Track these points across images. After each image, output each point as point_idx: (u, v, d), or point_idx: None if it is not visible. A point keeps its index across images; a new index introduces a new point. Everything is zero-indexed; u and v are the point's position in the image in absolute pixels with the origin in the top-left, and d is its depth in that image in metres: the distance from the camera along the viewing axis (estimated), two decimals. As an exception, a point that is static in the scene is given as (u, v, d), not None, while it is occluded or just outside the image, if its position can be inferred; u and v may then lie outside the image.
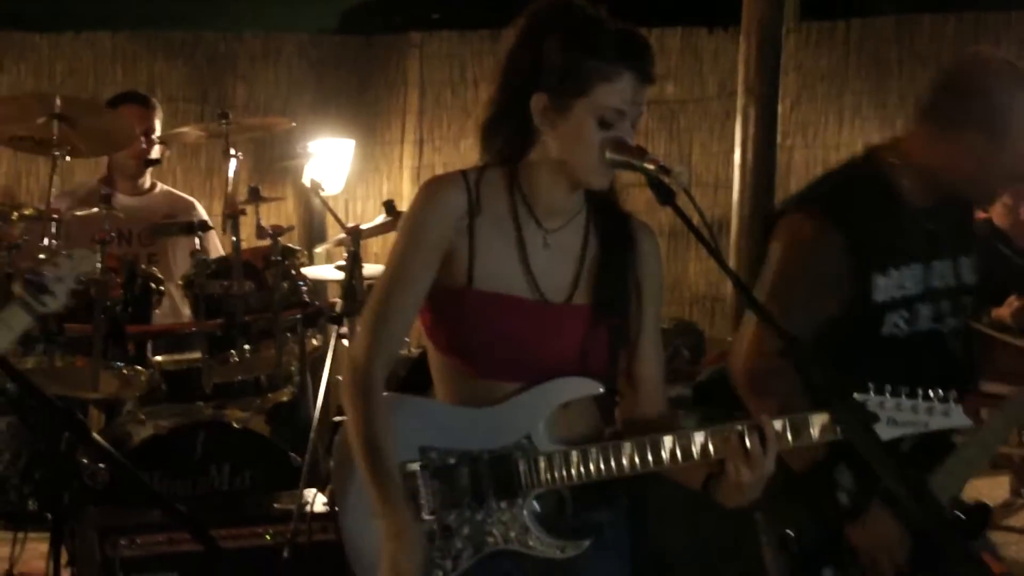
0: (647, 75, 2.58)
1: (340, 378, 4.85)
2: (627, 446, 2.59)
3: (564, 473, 2.62)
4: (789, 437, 2.53)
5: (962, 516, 3.12)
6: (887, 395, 2.53)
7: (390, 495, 2.62)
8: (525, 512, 2.64)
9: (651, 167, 2.49)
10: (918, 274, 3.16)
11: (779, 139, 6.74)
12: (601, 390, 2.67)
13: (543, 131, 2.61)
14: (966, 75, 3.14)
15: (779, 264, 3.10)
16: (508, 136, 2.65)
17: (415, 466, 2.66)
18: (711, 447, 2.56)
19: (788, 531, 3.14)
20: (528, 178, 2.67)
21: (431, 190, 2.70)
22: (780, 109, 6.68)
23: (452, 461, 2.66)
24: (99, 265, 4.53)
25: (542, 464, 2.63)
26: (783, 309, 2.96)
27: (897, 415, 2.54)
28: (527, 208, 2.68)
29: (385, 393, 2.73)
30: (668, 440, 2.58)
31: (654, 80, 2.60)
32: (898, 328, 3.14)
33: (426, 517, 2.65)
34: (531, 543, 2.65)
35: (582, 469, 2.61)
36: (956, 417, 2.58)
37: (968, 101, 3.08)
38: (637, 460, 2.59)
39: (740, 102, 6.57)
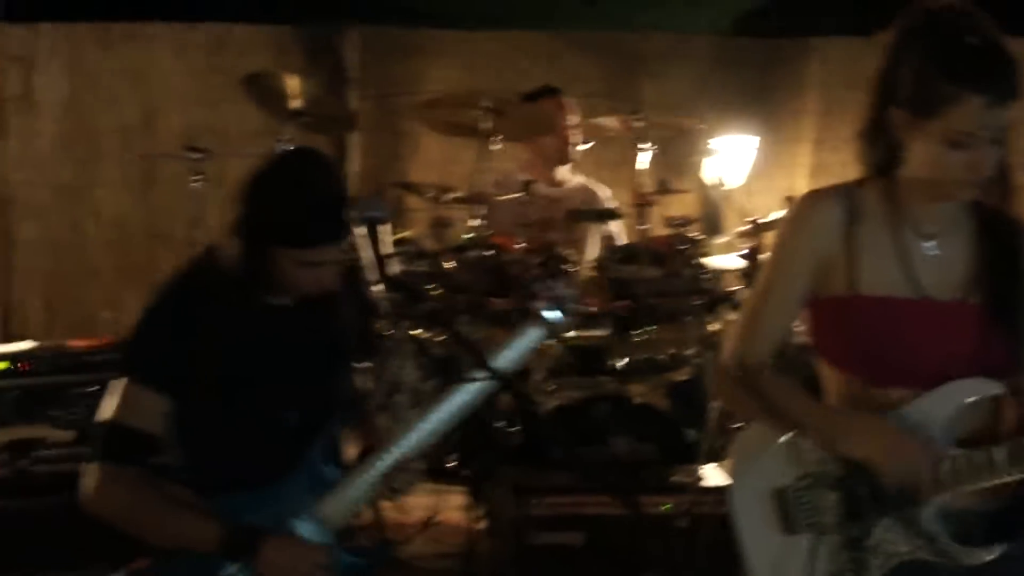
0: (1003, 96, 2.48)
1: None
2: None
3: (967, 476, 2.54)
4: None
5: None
6: None
7: (837, 418, 2.63)
8: (927, 518, 2.57)
9: None
10: None
11: None
12: (1001, 391, 2.58)
13: (904, 145, 2.59)
14: None
15: None
16: (879, 148, 2.63)
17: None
18: None
19: None
20: (902, 190, 2.64)
21: (807, 203, 2.72)
22: None
23: (844, 472, 2.64)
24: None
25: (944, 467, 2.55)
26: None
27: None
28: (903, 217, 2.65)
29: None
30: None
31: (1014, 99, 2.49)
32: None
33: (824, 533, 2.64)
34: (941, 549, 2.56)
35: (987, 472, 2.52)
36: None
37: None
38: None
39: None
